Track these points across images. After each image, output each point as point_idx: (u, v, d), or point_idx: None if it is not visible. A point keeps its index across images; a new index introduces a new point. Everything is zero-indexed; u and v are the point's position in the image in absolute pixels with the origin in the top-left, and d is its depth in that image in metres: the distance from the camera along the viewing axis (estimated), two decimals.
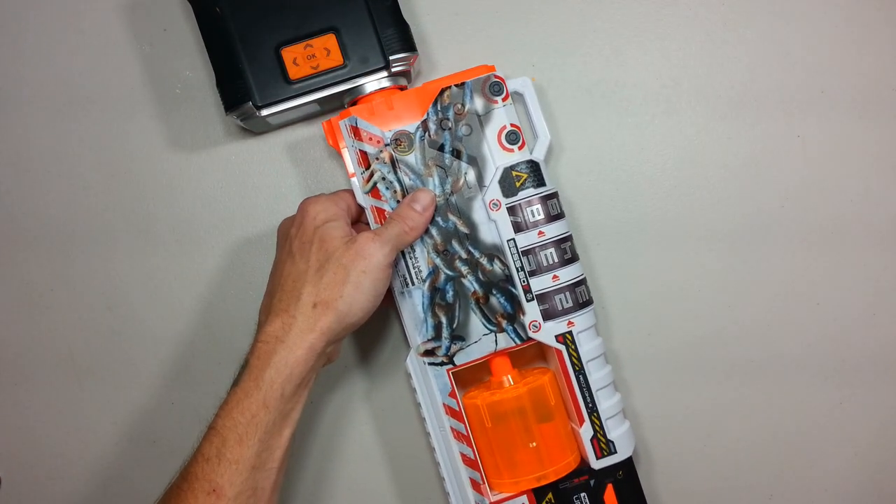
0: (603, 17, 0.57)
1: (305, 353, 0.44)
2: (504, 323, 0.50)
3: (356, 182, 0.51)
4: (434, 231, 0.50)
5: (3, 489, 0.56)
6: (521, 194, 0.50)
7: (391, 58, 0.51)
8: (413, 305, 0.50)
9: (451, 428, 0.51)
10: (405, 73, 0.53)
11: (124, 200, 0.56)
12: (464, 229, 0.50)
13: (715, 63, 0.56)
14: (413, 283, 0.50)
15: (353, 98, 0.52)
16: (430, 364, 0.50)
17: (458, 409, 0.50)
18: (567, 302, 0.50)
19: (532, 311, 0.50)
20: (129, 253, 0.56)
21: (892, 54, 0.57)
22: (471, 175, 0.50)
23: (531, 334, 0.50)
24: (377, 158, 0.50)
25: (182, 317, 0.56)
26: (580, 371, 0.50)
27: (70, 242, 0.56)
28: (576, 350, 0.50)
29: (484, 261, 0.50)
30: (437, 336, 0.50)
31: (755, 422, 0.56)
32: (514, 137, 0.51)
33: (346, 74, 0.51)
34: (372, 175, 0.50)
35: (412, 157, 0.50)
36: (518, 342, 0.50)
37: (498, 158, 0.51)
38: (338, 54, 0.51)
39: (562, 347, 0.50)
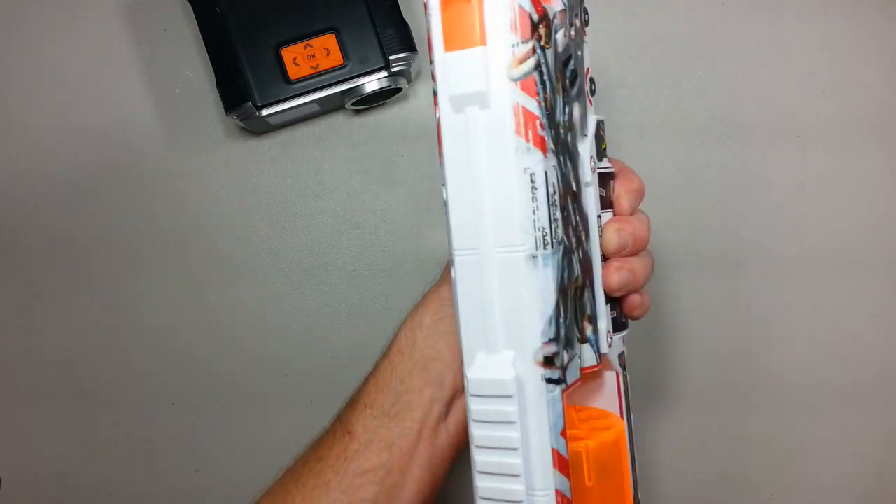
0: (604, 17, 0.57)
1: (431, 300, 0.40)
2: (589, 330, 0.34)
3: (481, 56, 0.30)
4: (559, 176, 0.32)
5: (3, 489, 0.56)
6: (605, 162, 0.36)
7: (391, 58, 0.51)
8: (544, 281, 0.31)
9: (558, 491, 0.30)
10: (405, 73, 0.53)
11: (124, 200, 0.56)
12: (574, 185, 0.34)
13: (715, 62, 0.57)
14: (549, 245, 0.31)
15: (353, 98, 0.52)
16: (549, 381, 0.31)
17: (566, 457, 0.31)
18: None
19: (607, 318, 0.35)
20: (129, 253, 0.56)
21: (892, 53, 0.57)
22: (576, 114, 0.34)
23: (605, 349, 0.35)
24: (547, 27, 0.31)
25: (182, 317, 0.56)
26: (629, 408, 0.37)
27: (69, 243, 0.56)
28: (627, 380, 0.37)
29: (583, 236, 0.34)
30: (557, 336, 0.31)
31: (755, 421, 0.56)
32: (593, 87, 0.36)
33: (346, 74, 0.51)
34: (533, 53, 0.30)
35: (551, 55, 0.31)
36: (596, 362, 0.35)
37: (589, 108, 0.36)
38: (338, 54, 0.51)
39: (621, 373, 0.37)
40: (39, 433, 0.56)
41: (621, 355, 0.37)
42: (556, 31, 0.31)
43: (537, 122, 0.30)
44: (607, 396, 0.37)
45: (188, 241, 0.56)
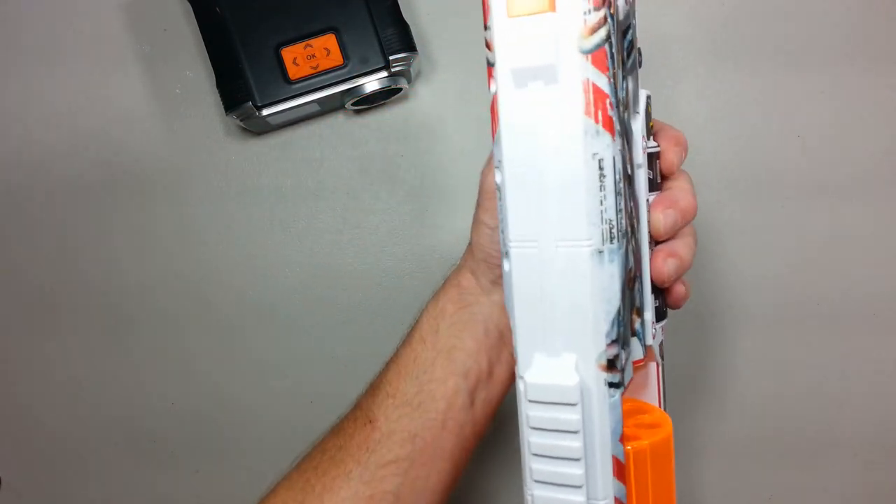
0: None
1: (452, 288, 0.39)
2: (637, 323, 0.32)
3: (561, 22, 0.26)
4: (623, 160, 0.29)
5: (3, 489, 0.56)
6: (653, 142, 0.34)
7: (391, 58, 0.51)
8: (610, 279, 0.28)
9: (616, 499, 0.29)
10: (405, 73, 0.53)
11: (124, 201, 0.56)
12: (629, 168, 0.30)
13: (715, 62, 0.57)
14: (616, 239, 0.28)
15: (353, 98, 0.52)
16: (611, 385, 0.28)
17: (622, 461, 0.29)
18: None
19: (651, 308, 0.33)
20: (129, 253, 0.56)
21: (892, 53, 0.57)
22: (631, 89, 0.31)
23: (650, 341, 0.33)
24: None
25: (182, 317, 0.56)
26: (664, 398, 0.35)
27: (70, 243, 0.56)
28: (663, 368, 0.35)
29: (635, 223, 0.31)
30: (619, 337, 0.28)
31: (755, 421, 0.56)
32: (640, 59, 0.33)
33: (346, 74, 0.51)
34: (605, 23, 0.26)
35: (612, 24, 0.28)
36: (644, 353, 0.33)
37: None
38: (338, 54, 0.51)
39: (660, 363, 0.35)
40: (39, 433, 0.56)
41: (661, 345, 0.35)
42: (618, 5, 0.27)
43: (607, 101, 0.26)
44: (648, 388, 0.35)
45: (188, 242, 0.56)
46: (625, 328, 0.29)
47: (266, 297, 0.56)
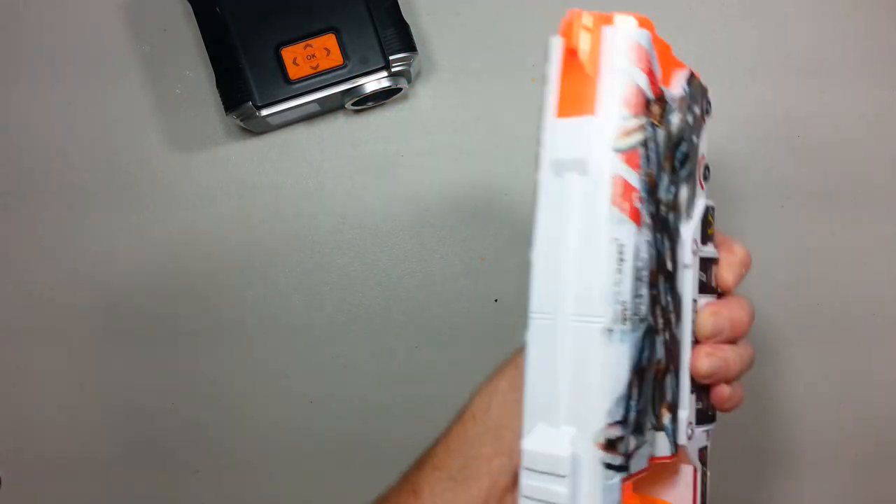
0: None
1: (510, 367, 0.39)
2: (666, 418, 0.32)
3: (598, 124, 0.30)
4: (652, 252, 0.31)
5: (3, 489, 0.56)
6: (710, 247, 0.36)
7: (391, 58, 0.51)
8: (618, 357, 0.29)
9: None
10: (405, 73, 0.53)
11: (124, 201, 0.56)
12: (670, 264, 0.33)
13: (715, 64, 0.57)
14: (629, 321, 0.30)
15: (353, 98, 0.52)
16: (608, 466, 0.29)
17: None
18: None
19: (690, 408, 0.34)
20: (128, 253, 0.56)
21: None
22: (683, 195, 0.34)
23: (683, 441, 0.33)
24: (663, 109, 0.32)
25: (182, 317, 0.56)
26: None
27: (68, 243, 0.56)
28: (706, 476, 0.35)
29: (673, 318, 0.33)
30: (625, 419, 0.30)
31: (755, 420, 0.56)
32: (707, 173, 0.36)
33: (346, 74, 0.51)
34: (641, 129, 0.30)
35: (662, 135, 0.32)
36: (671, 452, 0.33)
37: (699, 192, 0.35)
38: (338, 54, 0.51)
39: (699, 468, 0.35)
40: (40, 434, 0.56)
41: (703, 450, 0.35)
42: (670, 113, 0.32)
43: (635, 195, 0.29)
44: (681, 492, 0.35)
45: (188, 242, 0.56)
46: (640, 414, 0.30)
47: (266, 297, 0.56)
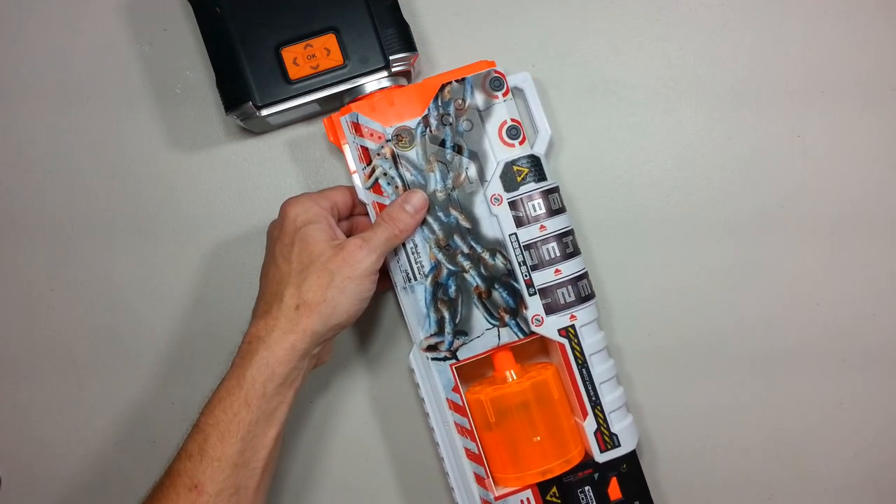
0: (603, 17, 0.57)
1: (287, 352, 0.45)
2: (507, 317, 0.51)
3: (357, 178, 0.51)
4: (436, 226, 0.51)
5: (3, 489, 0.56)
6: (523, 189, 0.50)
7: (391, 58, 0.51)
8: (415, 301, 0.51)
9: (455, 423, 0.51)
10: (405, 73, 0.53)
11: (124, 201, 0.56)
12: (465, 224, 0.51)
13: (714, 63, 0.57)
14: (416, 279, 0.51)
15: (353, 98, 0.52)
16: (434, 359, 0.51)
17: (461, 404, 0.51)
18: (569, 296, 0.50)
19: (534, 306, 0.50)
20: (129, 253, 0.56)
21: (892, 53, 0.57)
22: (472, 170, 0.51)
23: (534, 328, 0.51)
24: (378, 154, 0.50)
25: (182, 317, 0.56)
26: (583, 365, 0.50)
27: (70, 242, 0.56)
28: (578, 344, 0.51)
29: (486, 255, 0.51)
30: (440, 331, 0.51)
31: (755, 420, 0.57)
32: (514, 132, 0.51)
33: (346, 74, 0.51)
34: (374, 171, 0.50)
35: (413, 153, 0.51)
36: (521, 336, 0.51)
37: (499, 153, 0.51)
38: (338, 54, 0.51)
39: (564, 341, 0.50)
40: (40, 433, 0.56)
41: (564, 328, 0.50)
42: (411, 138, 0.50)
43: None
44: (556, 354, 0.52)
45: (188, 242, 0.56)
46: (458, 324, 0.51)
47: None
